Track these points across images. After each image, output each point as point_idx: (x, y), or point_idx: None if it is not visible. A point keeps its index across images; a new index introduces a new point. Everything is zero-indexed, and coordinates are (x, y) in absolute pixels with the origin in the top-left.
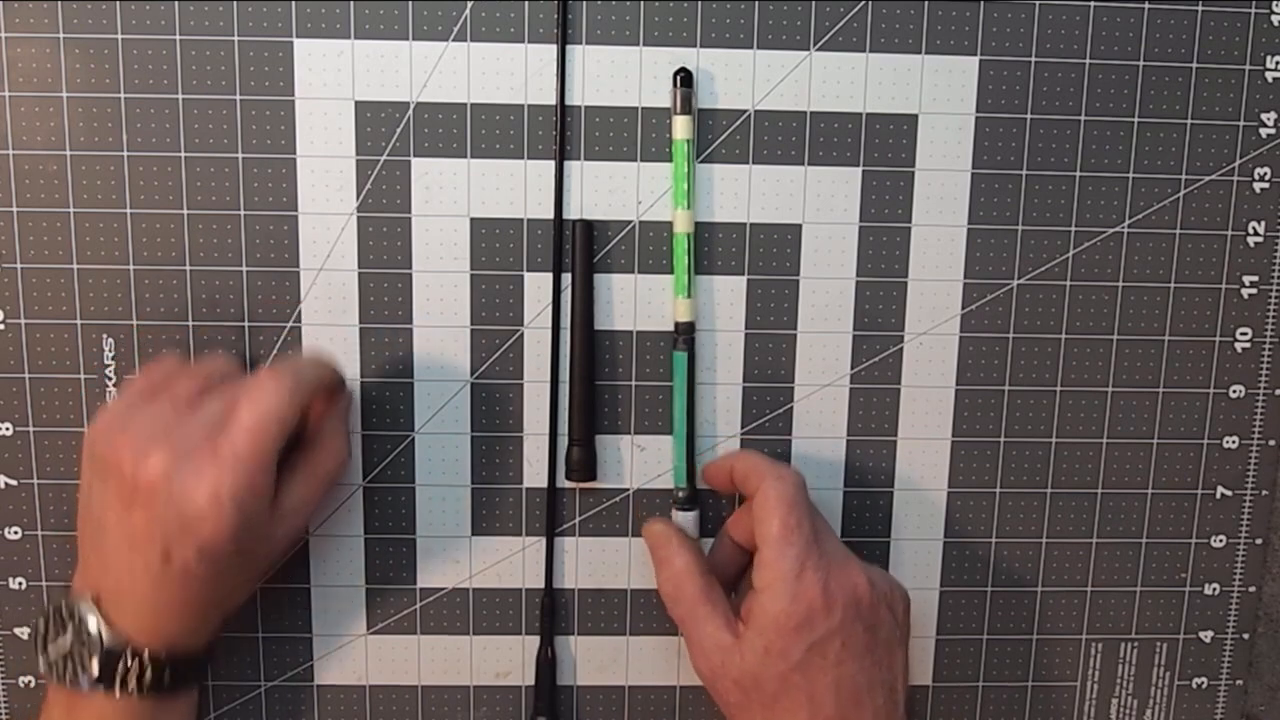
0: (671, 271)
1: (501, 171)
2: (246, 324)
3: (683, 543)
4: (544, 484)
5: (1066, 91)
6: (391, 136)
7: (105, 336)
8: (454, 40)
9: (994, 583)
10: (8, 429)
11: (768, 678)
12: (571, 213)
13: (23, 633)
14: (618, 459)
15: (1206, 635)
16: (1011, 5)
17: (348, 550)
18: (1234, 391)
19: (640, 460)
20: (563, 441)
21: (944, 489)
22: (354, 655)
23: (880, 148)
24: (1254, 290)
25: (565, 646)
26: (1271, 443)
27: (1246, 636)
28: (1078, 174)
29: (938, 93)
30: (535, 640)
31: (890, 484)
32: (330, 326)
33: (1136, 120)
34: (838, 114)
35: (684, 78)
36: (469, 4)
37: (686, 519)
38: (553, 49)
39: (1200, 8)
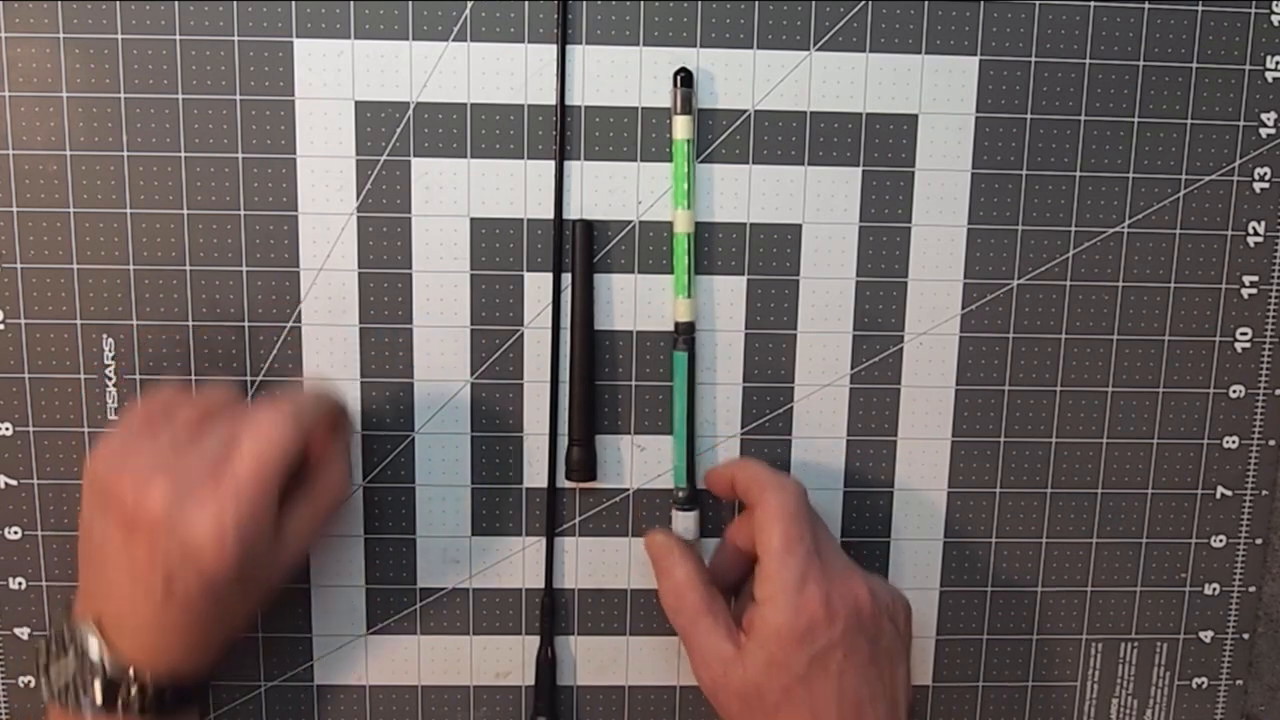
0: (671, 271)
1: (501, 171)
2: (246, 324)
3: (684, 553)
4: (544, 484)
5: (1066, 91)
6: (391, 136)
7: (105, 336)
8: (454, 40)
9: (994, 583)
10: (8, 429)
11: (770, 689)
12: (571, 213)
13: (23, 633)
14: (618, 459)
15: (1206, 635)
16: (1011, 5)
17: (348, 550)
18: (1234, 391)
19: (640, 460)
20: (563, 441)
21: (944, 489)
22: (354, 655)
23: (880, 148)
24: (1254, 290)
25: (565, 646)
26: (1271, 443)
27: (1246, 636)
28: (1078, 174)
29: (938, 93)
30: (535, 640)
31: (890, 484)
32: (330, 326)
33: (1136, 120)
34: (838, 114)
35: (684, 78)
36: (469, 4)
37: (686, 519)
38: (553, 49)
39: (1200, 8)
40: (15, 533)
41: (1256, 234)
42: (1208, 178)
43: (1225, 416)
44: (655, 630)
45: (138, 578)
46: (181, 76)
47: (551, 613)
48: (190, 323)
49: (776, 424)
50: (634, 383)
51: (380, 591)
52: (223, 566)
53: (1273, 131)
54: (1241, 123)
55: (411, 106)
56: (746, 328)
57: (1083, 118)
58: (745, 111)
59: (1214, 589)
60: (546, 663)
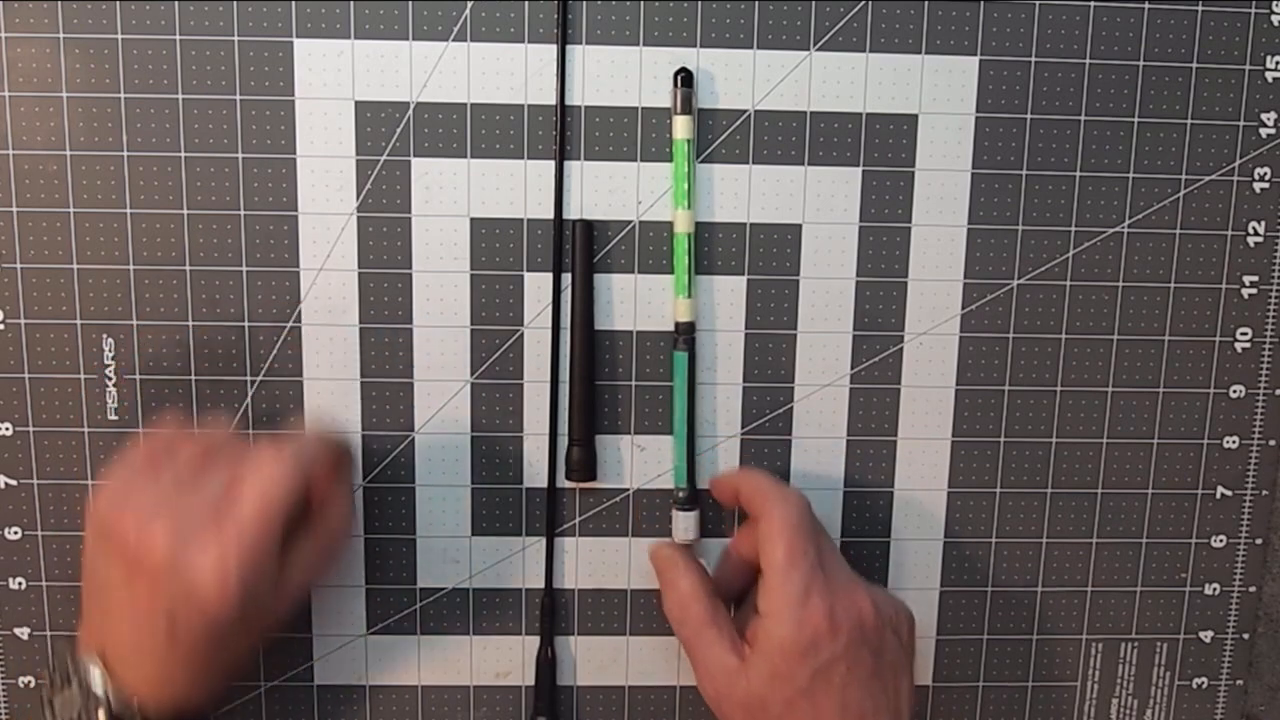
0: (671, 271)
1: (501, 171)
2: (246, 324)
3: (689, 565)
4: (544, 484)
5: (1066, 91)
6: (391, 136)
7: (105, 336)
8: (454, 40)
9: (994, 583)
10: (8, 429)
11: (773, 702)
12: (571, 213)
13: (23, 633)
14: (618, 459)
15: (1206, 635)
16: (1011, 5)
17: (348, 550)
18: (1234, 391)
19: (640, 460)
20: (563, 441)
21: (944, 489)
22: (354, 655)
23: (880, 148)
24: (1254, 290)
25: (565, 646)
26: (1271, 443)
27: (1246, 636)
28: (1078, 174)
29: (938, 93)
30: (535, 640)
31: (890, 484)
32: (330, 326)
33: (1136, 120)
34: (838, 114)
35: (684, 78)
36: (469, 4)
37: (687, 519)
38: (553, 49)
39: (1200, 8)
40: (15, 533)
41: (1256, 234)
42: (1208, 178)
43: (1225, 416)
44: (655, 630)
45: (140, 616)
46: (181, 76)
47: (551, 613)
48: (190, 323)
49: (776, 424)
50: (634, 383)
51: (380, 591)
52: (225, 608)
53: (1273, 131)
54: (1241, 123)
55: (411, 106)
56: (746, 328)
57: (1083, 118)
58: (745, 111)
59: (1214, 589)
60: (546, 663)
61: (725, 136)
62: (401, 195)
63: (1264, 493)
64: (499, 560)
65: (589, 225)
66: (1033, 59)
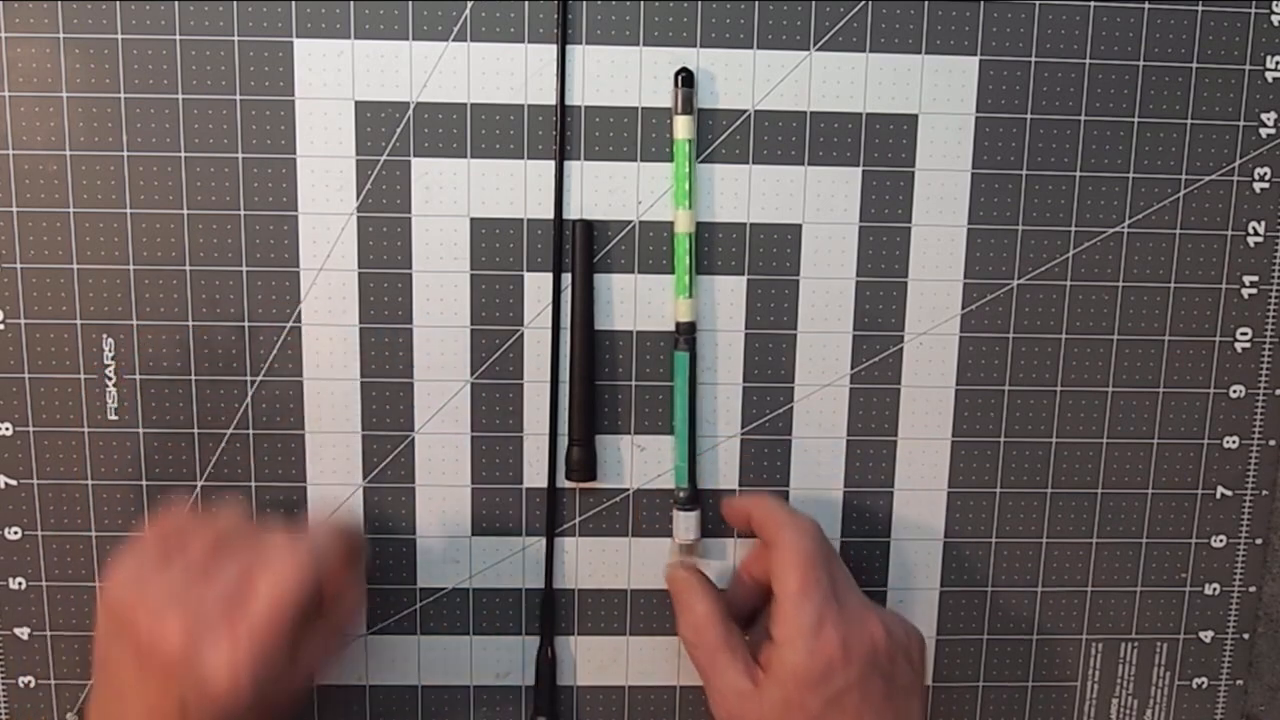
0: (671, 271)
1: (501, 171)
2: (246, 324)
3: (705, 589)
4: (544, 484)
5: (1066, 91)
6: (391, 136)
7: (105, 336)
8: (454, 40)
9: (994, 583)
10: (8, 429)
11: None
12: (571, 213)
13: (23, 633)
14: (618, 459)
15: (1206, 635)
16: (1011, 5)
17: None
18: (1234, 391)
19: (640, 460)
20: (563, 441)
21: (944, 489)
22: (354, 655)
23: (880, 148)
24: (1254, 290)
25: (565, 646)
26: (1271, 443)
27: (1246, 636)
28: (1078, 174)
29: (938, 93)
30: (535, 640)
31: (890, 484)
32: (330, 326)
33: (1136, 120)
34: (838, 114)
35: (685, 78)
36: (469, 4)
37: (687, 519)
38: (553, 49)
39: (1200, 8)
40: (15, 533)
41: (1256, 234)
42: (1208, 178)
43: (1225, 416)
44: (655, 630)
45: (151, 706)
46: (181, 76)
47: (551, 613)
48: (190, 323)
49: (776, 424)
50: (634, 383)
51: (380, 591)
52: (236, 702)
53: (1273, 131)
54: (1241, 123)
55: (411, 106)
56: (747, 328)
57: (1083, 118)
58: (745, 111)
59: (1214, 589)
60: (546, 663)
61: (725, 136)
62: (401, 195)
63: (1264, 493)
64: (499, 560)
65: (589, 225)
66: (1033, 59)
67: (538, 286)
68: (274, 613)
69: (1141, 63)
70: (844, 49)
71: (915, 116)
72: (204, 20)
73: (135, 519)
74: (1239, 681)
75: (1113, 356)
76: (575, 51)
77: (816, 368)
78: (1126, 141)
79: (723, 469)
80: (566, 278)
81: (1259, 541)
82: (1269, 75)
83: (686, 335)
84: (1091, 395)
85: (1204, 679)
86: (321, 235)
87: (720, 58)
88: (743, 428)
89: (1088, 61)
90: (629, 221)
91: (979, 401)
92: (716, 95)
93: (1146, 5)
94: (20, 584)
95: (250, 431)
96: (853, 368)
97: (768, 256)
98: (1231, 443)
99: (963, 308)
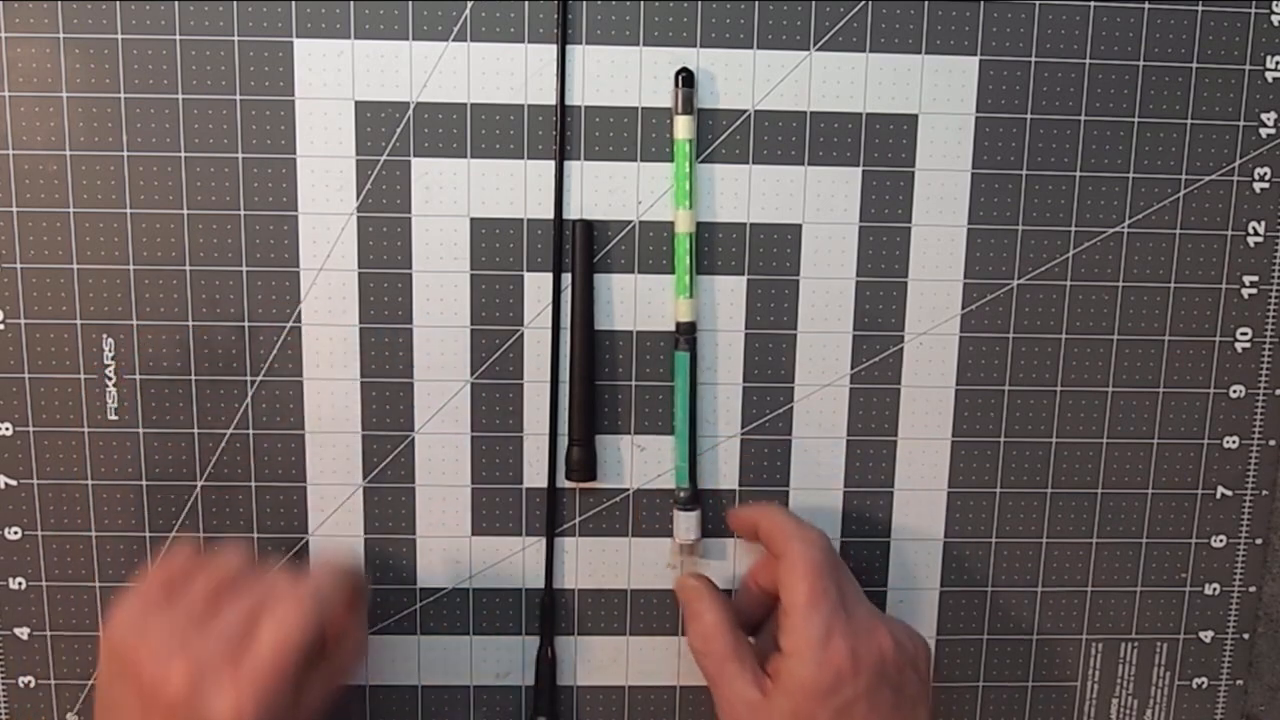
0: (671, 271)
1: (501, 171)
2: (246, 324)
3: (714, 598)
4: (544, 484)
5: (1066, 91)
6: (391, 136)
7: (105, 336)
8: (454, 40)
9: (994, 583)
10: (8, 429)
11: None
12: (571, 213)
13: (23, 633)
14: (618, 459)
15: (1206, 635)
16: (1011, 5)
17: (348, 550)
18: (1234, 391)
19: (640, 460)
20: (563, 441)
21: (944, 489)
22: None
23: (880, 148)
24: (1254, 290)
25: (565, 646)
26: (1271, 443)
27: (1246, 636)
28: (1078, 174)
29: (938, 93)
30: (535, 640)
31: (890, 484)
32: (330, 326)
33: (1136, 120)
34: (838, 114)
35: (686, 78)
36: (469, 4)
37: (688, 519)
38: (553, 49)
39: (1200, 8)
40: (15, 533)
41: (1256, 234)
42: (1208, 178)
43: (1225, 416)
44: (655, 630)
45: None
46: (181, 76)
47: (551, 613)
48: (190, 323)
49: (776, 424)
50: (634, 383)
51: (380, 591)
52: None
53: (1273, 131)
54: (1241, 123)
55: (411, 106)
56: (747, 328)
57: (1083, 118)
58: (745, 111)
59: (1214, 589)
60: (546, 663)
61: (725, 136)
62: (401, 195)
63: (1264, 493)
64: (499, 560)
65: (589, 225)
66: (1033, 59)
67: (538, 286)
68: (277, 656)
69: (1141, 63)
70: (844, 49)
71: (915, 116)
72: (204, 20)
73: (135, 519)
74: (1239, 681)
75: (1113, 356)
76: (575, 51)
77: (816, 368)
78: (1126, 141)
79: (723, 469)
80: (566, 278)
81: (1259, 541)
82: (1269, 75)
83: (686, 335)
84: (1091, 395)
85: (1204, 679)
86: (321, 235)
87: (720, 58)
88: (743, 428)
89: (1088, 61)
90: (629, 221)
91: (979, 401)
92: (716, 95)
93: (1146, 5)
94: (20, 584)
95: (250, 431)
96: (853, 368)
97: (768, 256)
98: (1231, 443)
99: (963, 308)
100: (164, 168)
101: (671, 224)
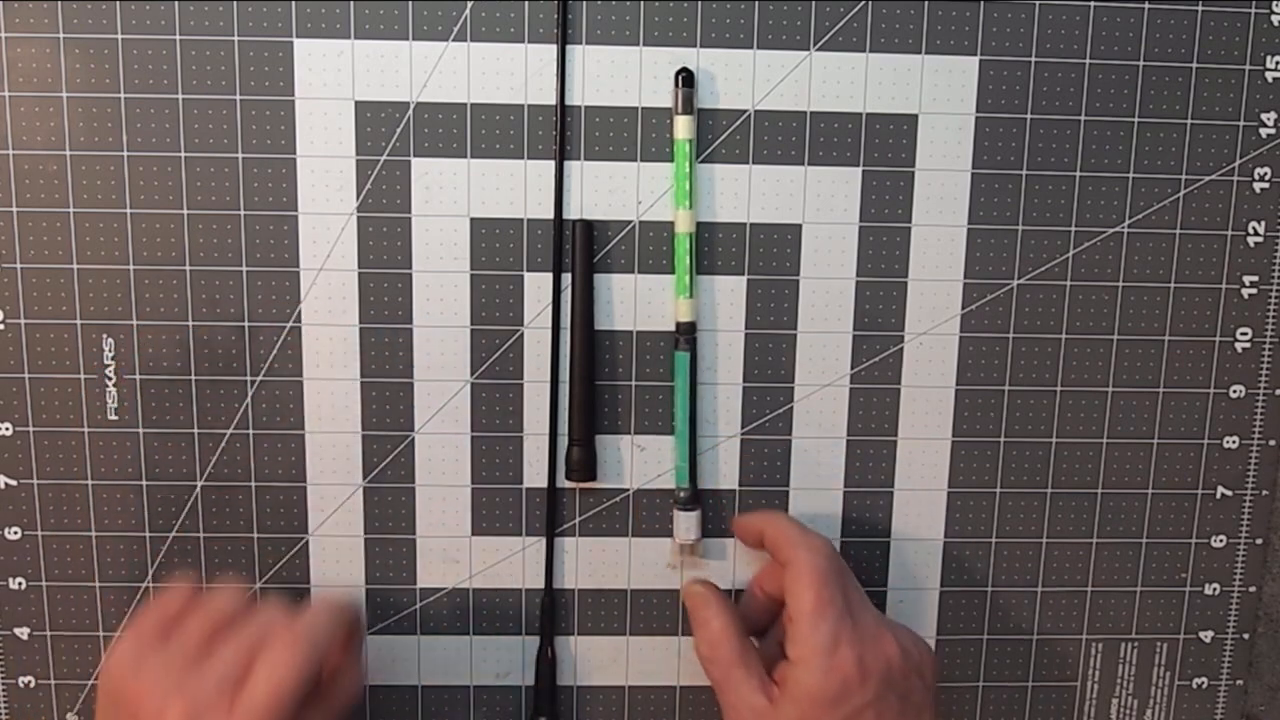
0: (671, 271)
1: (501, 171)
2: (246, 324)
3: (721, 605)
4: (544, 484)
5: (1066, 91)
6: (391, 136)
7: (105, 336)
8: (454, 40)
9: (994, 583)
10: (8, 429)
11: None
12: (571, 213)
13: (23, 633)
14: (618, 459)
15: (1206, 635)
16: (1011, 5)
17: (348, 550)
18: (1234, 391)
19: (640, 460)
20: (563, 441)
21: (944, 489)
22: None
23: (880, 148)
24: (1254, 290)
25: (565, 646)
26: (1271, 443)
27: (1246, 636)
28: (1078, 174)
29: (938, 93)
30: (535, 640)
31: (890, 484)
32: (330, 326)
33: (1136, 120)
34: (838, 114)
35: (686, 78)
36: (469, 4)
37: (688, 519)
38: (553, 49)
39: (1200, 8)
40: (15, 533)
41: (1256, 234)
42: (1208, 178)
43: (1225, 416)
44: (655, 630)
45: None
46: (181, 76)
47: (551, 613)
48: (190, 323)
49: (776, 424)
50: (634, 383)
51: (380, 591)
52: None
53: (1273, 131)
54: (1241, 123)
55: (411, 106)
56: (747, 328)
57: (1083, 118)
58: (745, 111)
59: (1214, 589)
60: (546, 663)
61: (725, 136)
62: (401, 195)
63: (1264, 493)
64: (499, 560)
65: (589, 225)
66: (1033, 59)
67: (538, 286)
68: (272, 698)
69: (1141, 63)
70: (844, 49)
71: (915, 116)
72: (204, 20)
73: (135, 519)
74: (1239, 681)
75: (1113, 356)
76: (575, 51)
77: (816, 368)
78: (1126, 141)
79: (723, 469)
80: (566, 278)
81: (1259, 541)
82: (1269, 75)
83: (686, 335)
84: (1091, 395)
85: (1204, 679)
86: (321, 235)
87: (720, 58)
88: (743, 428)
89: (1088, 61)
90: (629, 221)
91: (979, 401)
92: (716, 95)
93: (1146, 5)
94: (20, 584)
95: (250, 431)
96: (853, 368)
97: (768, 256)
98: (1231, 443)
99: (963, 308)
100: (164, 168)
101: (671, 224)
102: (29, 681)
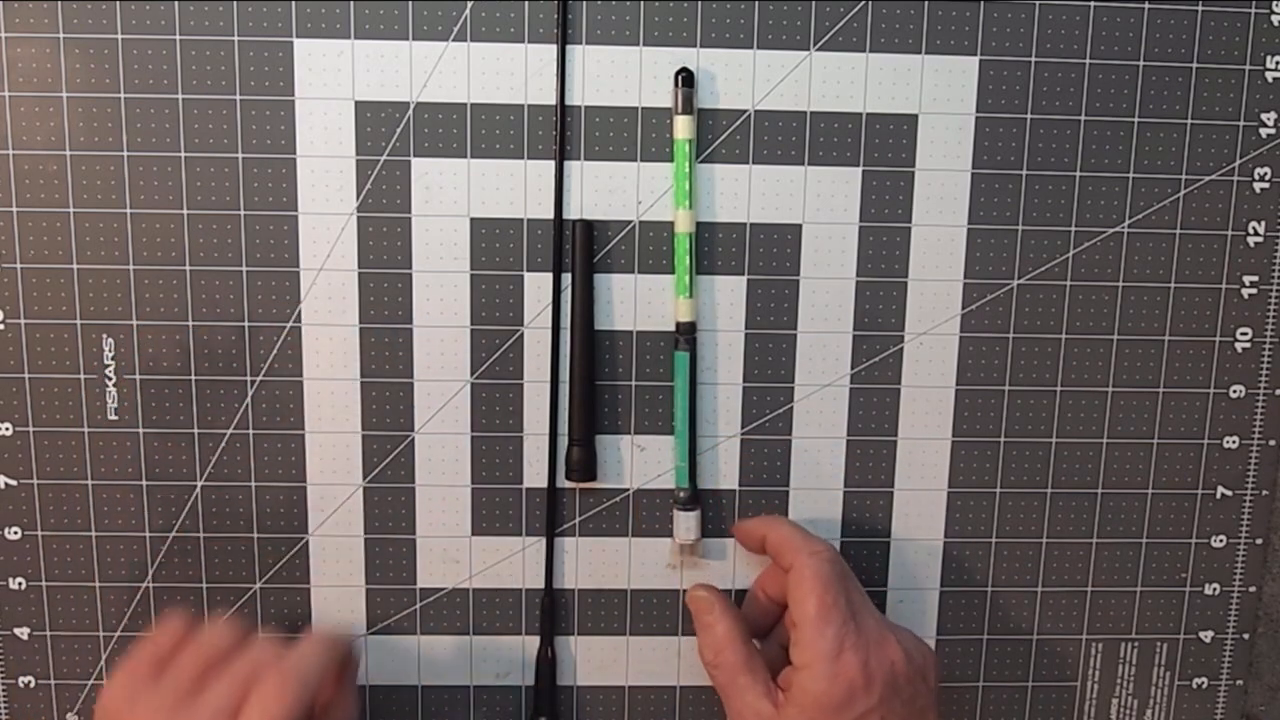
0: (671, 271)
1: (501, 171)
2: (246, 324)
3: (725, 609)
4: (544, 484)
5: (1066, 91)
6: (391, 136)
7: (105, 336)
8: (454, 40)
9: (994, 583)
10: (8, 429)
11: None
12: (571, 213)
13: (23, 633)
14: (618, 459)
15: (1206, 635)
16: (1011, 5)
17: (348, 550)
18: (1234, 391)
19: (640, 460)
20: (563, 441)
21: (944, 489)
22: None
23: (880, 148)
24: (1254, 290)
25: (565, 646)
26: (1271, 443)
27: (1246, 636)
28: (1078, 174)
29: (938, 93)
30: (535, 640)
31: (890, 484)
32: (330, 326)
33: (1136, 120)
34: (838, 114)
35: (686, 77)
36: (469, 4)
37: (688, 519)
38: (553, 49)
39: (1200, 8)
40: (15, 533)
41: (1256, 234)
42: (1208, 178)
43: (1225, 416)
44: (655, 630)
45: None
46: (181, 76)
47: (551, 613)
48: (190, 323)
49: (776, 424)
50: (634, 383)
51: (380, 591)
52: None
53: (1273, 131)
54: (1241, 123)
55: (411, 106)
56: (747, 328)
57: (1083, 118)
58: (745, 111)
59: (1214, 589)
60: (546, 663)
61: (725, 136)
62: (401, 195)
63: (1264, 493)
64: (499, 560)
65: (589, 225)
66: (1033, 59)
67: (538, 286)
68: None
69: (1141, 63)
70: (844, 49)
71: (915, 116)
72: (204, 20)
73: (135, 519)
74: (1239, 681)
75: (1113, 356)
76: (575, 51)
77: (816, 368)
78: (1126, 141)
79: (723, 469)
80: (566, 278)
81: (1259, 541)
82: (1269, 75)
83: (686, 335)
84: (1091, 395)
85: (1204, 679)
86: (321, 235)
87: (720, 58)
88: (743, 428)
89: (1088, 61)
90: (629, 221)
91: (979, 401)
92: (716, 95)
93: (1146, 5)
94: (20, 584)
95: (250, 431)
96: (853, 368)
97: (768, 256)
98: (1231, 443)
99: (963, 308)
100: (164, 168)
101: (671, 224)
102: (29, 681)
